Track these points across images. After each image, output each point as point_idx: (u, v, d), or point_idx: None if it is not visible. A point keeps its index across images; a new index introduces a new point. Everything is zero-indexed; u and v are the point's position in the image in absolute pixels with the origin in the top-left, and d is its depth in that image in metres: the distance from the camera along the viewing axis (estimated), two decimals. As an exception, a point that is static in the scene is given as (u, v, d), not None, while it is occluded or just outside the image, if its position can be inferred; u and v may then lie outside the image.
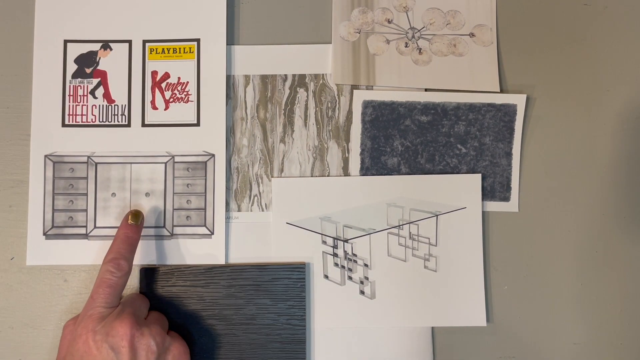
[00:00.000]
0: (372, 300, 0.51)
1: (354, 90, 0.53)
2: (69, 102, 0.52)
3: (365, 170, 0.53)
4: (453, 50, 0.53)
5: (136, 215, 0.49)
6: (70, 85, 0.52)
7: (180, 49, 0.52)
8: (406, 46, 0.53)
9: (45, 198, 0.51)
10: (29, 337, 0.51)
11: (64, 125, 0.52)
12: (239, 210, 0.52)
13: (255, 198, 0.52)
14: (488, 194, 0.53)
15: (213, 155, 0.52)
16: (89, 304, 0.45)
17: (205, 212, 0.51)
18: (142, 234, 0.50)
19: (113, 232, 0.50)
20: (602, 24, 0.54)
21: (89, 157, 0.51)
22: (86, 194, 0.51)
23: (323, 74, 0.53)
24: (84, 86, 0.52)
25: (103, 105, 0.52)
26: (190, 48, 0.52)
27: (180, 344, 0.46)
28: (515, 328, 0.52)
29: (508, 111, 0.53)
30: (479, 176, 0.52)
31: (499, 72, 0.53)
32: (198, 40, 0.52)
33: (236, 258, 0.51)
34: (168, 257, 0.51)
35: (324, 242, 0.51)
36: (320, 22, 0.54)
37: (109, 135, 0.52)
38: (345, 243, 0.51)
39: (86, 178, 0.51)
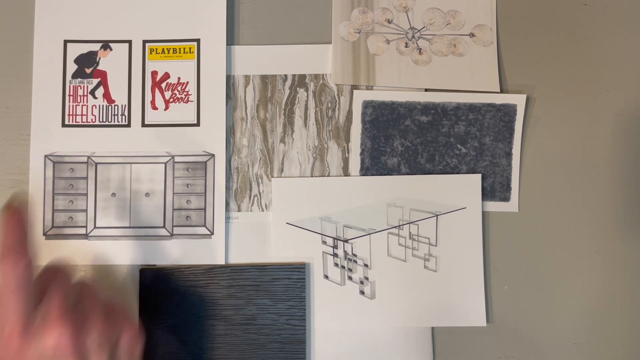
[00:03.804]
0: (372, 300, 0.51)
1: (354, 90, 0.53)
2: (69, 102, 0.52)
3: (365, 171, 0.53)
4: (453, 50, 0.53)
5: (10, 204, 0.37)
6: (70, 85, 0.52)
7: (180, 49, 0.52)
8: (406, 46, 0.53)
9: (45, 198, 0.51)
10: (29, 337, 0.51)
11: (64, 125, 0.52)
12: (239, 210, 0.52)
13: (255, 198, 0.52)
14: (488, 194, 0.53)
15: (213, 155, 0.52)
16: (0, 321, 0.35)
17: (205, 212, 0.51)
18: (141, 234, 0.51)
19: (113, 232, 0.51)
20: (602, 24, 0.54)
21: (89, 157, 0.51)
22: (86, 194, 0.51)
23: (323, 74, 0.53)
24: (84, 86, 0.52)
25: (103, 106, 0.52)
26: (190, 48, 0.52)
27: (129, 328, 0.39)
28: (515, 328, 0.52)
29: (508, 111, 0.53)
30: (479, 176, 0.52)
31: (499, 72, 0.53)
32: (198, 41, 0.52)
33: (236, 258, 0.51)
34: (168, 257, 0.51)
35: (324, 242, 0.51)
36: (320, 22, 0.54)
37: (109, 135, 0.52)
38: (345, 243, 0.51)
39: (86, 178, 0.51)
